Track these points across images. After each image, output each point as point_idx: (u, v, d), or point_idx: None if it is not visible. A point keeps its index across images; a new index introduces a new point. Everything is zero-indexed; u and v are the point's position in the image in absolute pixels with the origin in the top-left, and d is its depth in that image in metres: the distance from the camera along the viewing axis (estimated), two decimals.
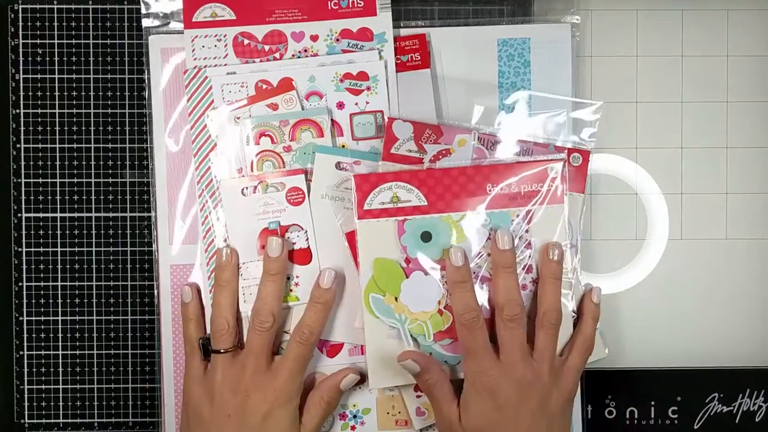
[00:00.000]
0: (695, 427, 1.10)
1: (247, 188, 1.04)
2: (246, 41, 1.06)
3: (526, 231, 1.02)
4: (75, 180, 1.09)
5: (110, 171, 1.09)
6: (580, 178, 1.05)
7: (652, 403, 1.10)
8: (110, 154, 1.09)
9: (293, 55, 1.06)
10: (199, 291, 1.05)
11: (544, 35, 1.07)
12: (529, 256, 1.03)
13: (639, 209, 1.10)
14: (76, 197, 1.09)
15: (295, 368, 1.00)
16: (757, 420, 1.11)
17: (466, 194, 1.02)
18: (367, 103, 1.06)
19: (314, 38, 1.06)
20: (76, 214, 1.09)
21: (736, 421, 1.11)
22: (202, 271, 1.06)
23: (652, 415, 1.10)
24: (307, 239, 1.05)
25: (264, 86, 1.06)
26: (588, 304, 1.04)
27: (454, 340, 1.02)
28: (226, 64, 1.06)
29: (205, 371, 1.02)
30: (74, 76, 1.09)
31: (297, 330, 1.01)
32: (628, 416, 1.10)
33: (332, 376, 1.04)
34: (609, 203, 1.09)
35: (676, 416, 1.10)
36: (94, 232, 1.09)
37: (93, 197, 1.09)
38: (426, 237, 1.02)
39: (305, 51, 1.06)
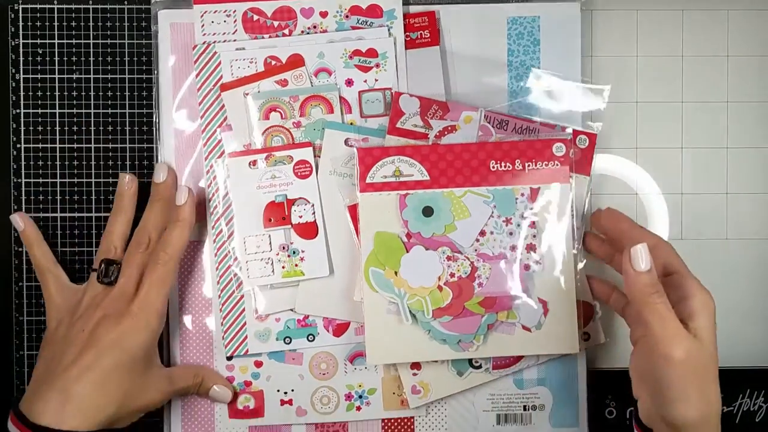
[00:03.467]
0: None
1: (254, 161, 1.05)
2: (255, 17, 1.06)
3: (530, 209, 1.03)
4: (75, 180, 1.09)
5: (110, 171, 1.09)
6: (585, 160, 1.06)
7: None
8: (110, 154, 1.09)
9: (302, 32, 1.06)
10: (26, 216, 1.08)
11: (554, 14, 1.07)
12: (533, 236, 1.04)
13: (639, 209, 1.10)
14: (76, 197, 1.09)
15: (154, 290, 0.99)
16: (757, 420, 1.11)
17: (469, 170, 1.03)
18: (376, 80, 1.06)
19: (323, 14, 1.06)
20: (76, 214, 1.09)
21: (737, 421, 1.11)
22: (209, 248, 1.07)
23: None
24: (314, 213, 1.05)
25: (273, 62, 1.06)
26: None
27: (453, 317, 1.03)
28: (235, 40, 1.06)
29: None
30: (74, 76, 1.09)
31: (155, 251, 1.01)
32: (628, 416, 1.10)
33: (215, 375, 1.07)
34: (609, 203, 1.09)
35: None
36: (94, 232, 1.09)
37: (93, 197, 1.09)
38: (428, 212, 1.03)
39: (314, 27, 1.06)
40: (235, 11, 1.06)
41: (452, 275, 1.03)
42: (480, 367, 1.06)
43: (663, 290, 0.90)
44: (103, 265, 1.02)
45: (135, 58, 1.09)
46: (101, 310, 0.98)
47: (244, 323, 1.06)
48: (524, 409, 1.08)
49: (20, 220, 1.06)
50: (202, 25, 1.06)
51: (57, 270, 1.05)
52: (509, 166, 1.03)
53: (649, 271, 0.90)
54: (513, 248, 1.04)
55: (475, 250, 1.03)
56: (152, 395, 1.00)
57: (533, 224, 1.04)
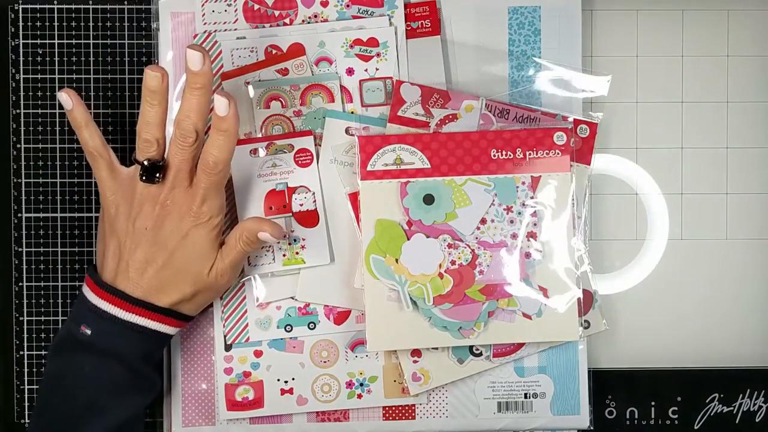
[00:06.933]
0: (695, 427, 1.10)
1: (255, 149, 1.06)
2: (256, 6, 1.07)
3: (531, 198, 1.04)
4: (75, 180, 1.09)
5: None
6: (586, 149, 1.07)
7: (652, 403, 1.10)
8: None
9: (303, 21, 1.07)
10: (77, 95, 0.98)
11: (554, 3, 1.08)
12: (534, 224, 1.04)
13: (639, 209, 1.10)
14: (76, 197, 1.09)
15: (210, 193, 0.97)
16: (757, 420, 1.10)
17: (470, 158, 1.04)
18: (377, 69, 1.07)
19: (324, 4, 1.07)
20: (76, 214, 1.09)
21: (737, 421, 1.10)
22: None
23: (652, 415, 1.10)
24: (314, 201, 1.06)
25: (274, 51, 1.07)
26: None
27: (453, 304, 1.04)
28: (236, 29, 1.07)
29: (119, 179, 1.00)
30: (74, 76, 1.09)
31: (201, 160, 0.96)
32: (628, 416, 1.10)
33: (257, 220, 1.00)
34: (609, 203, 1.10)
35: (676, 416, 1.10)
36: (94, 232, 1.09)
37: (93, 197, 1.09)
38: (428, 200, 1.04)
39: (315, 17, 1.07)
40: (235, 0, 1.07)
41: (453, 263, 1.04)
42: (480, 354, 1.06)
43: None
44: (146, 163, 0.97)
45: (135, 58, 1.09)
46: (160, 207, 0.97)
47: (245, 311, 1.07)
48: (525, 397, 1.08)
49: (67, 98, 0.97)
50: (203, 15, 1.07)
51: (107, 152, 0.99)
52: (510, 155, 1.03)
53: None
54: (514, 236, 1.04)
55: (476, 238, 1.04)
56: (214, 277, 1.00)
57: (535, 213, 1.04)
